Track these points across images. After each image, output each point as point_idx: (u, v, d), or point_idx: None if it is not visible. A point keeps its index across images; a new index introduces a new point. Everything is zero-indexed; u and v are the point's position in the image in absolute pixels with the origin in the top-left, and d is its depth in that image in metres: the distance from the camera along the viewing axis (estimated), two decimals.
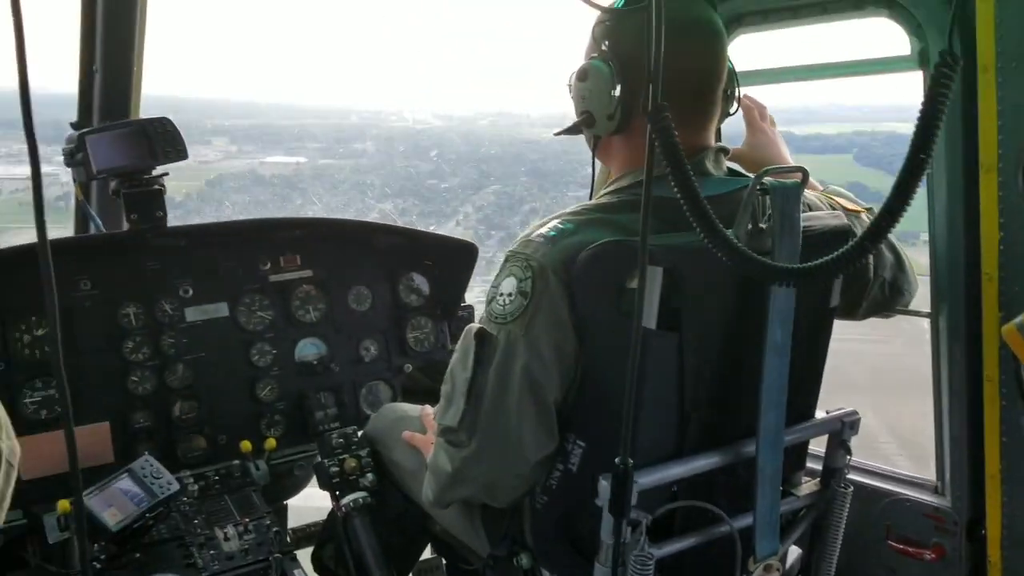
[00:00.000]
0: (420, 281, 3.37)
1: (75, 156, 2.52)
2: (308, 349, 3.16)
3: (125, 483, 2.51)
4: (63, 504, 2.46)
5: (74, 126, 2.73)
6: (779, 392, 1.80)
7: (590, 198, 2.14)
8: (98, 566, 2.42)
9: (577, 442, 1.84)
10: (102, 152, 2.57)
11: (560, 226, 1.84)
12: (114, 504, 2.44)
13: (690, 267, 1.69)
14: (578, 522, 1.87)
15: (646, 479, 1.69)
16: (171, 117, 2.70)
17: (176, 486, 2.55)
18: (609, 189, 2.00)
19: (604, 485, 1.65)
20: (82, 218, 2.98)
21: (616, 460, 1.52)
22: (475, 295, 3.51)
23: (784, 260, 1.69)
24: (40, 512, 2.57)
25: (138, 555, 2.46)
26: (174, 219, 2.86)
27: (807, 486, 2.10)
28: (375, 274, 3.28)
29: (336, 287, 3.21)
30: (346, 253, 3.23)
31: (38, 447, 2.61)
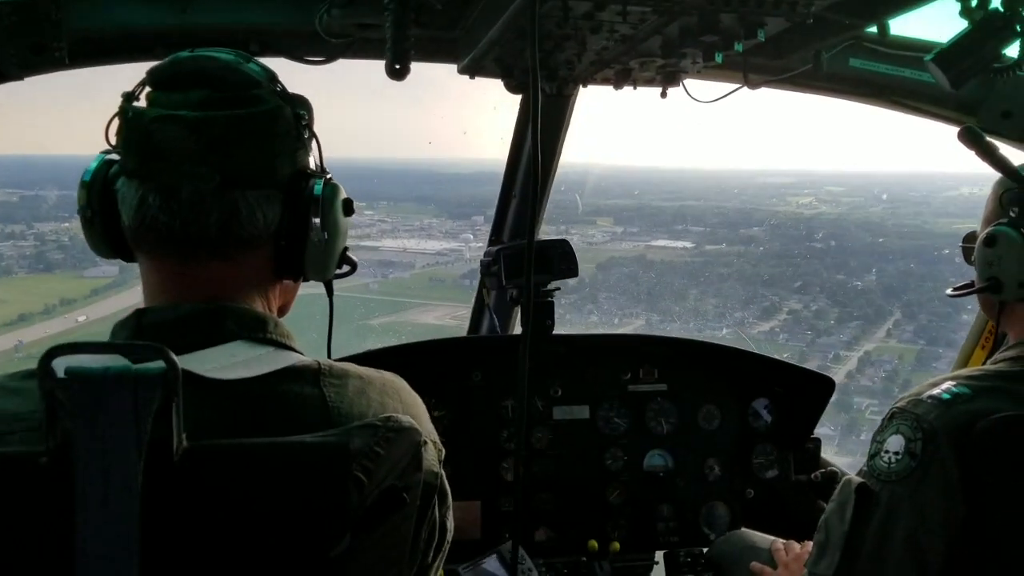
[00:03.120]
0: (769, 408, 3.39)
1: (491, 268, 2.92)
2: (656, 460, 3.29)
3: (493, 563, 2.78)
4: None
5: (490, 242, 3.16)
6: None
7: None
8: None
9: None
10: (510, 266, 2.96)
11: (955, 389, 1.81)
12: None
13: None
14: None
15: None
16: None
17: (535, 574, 2.78)
18: (1008, 355, 1.94)
19: None
20: (476, 316, 3.41)
21: None
22: None
23: None
24: None
25: None
26: None
27: None
28: (726, 395, 3.36)
29: (687, 403, 3.33)
30: (700, 372, 3.35)
31: None
